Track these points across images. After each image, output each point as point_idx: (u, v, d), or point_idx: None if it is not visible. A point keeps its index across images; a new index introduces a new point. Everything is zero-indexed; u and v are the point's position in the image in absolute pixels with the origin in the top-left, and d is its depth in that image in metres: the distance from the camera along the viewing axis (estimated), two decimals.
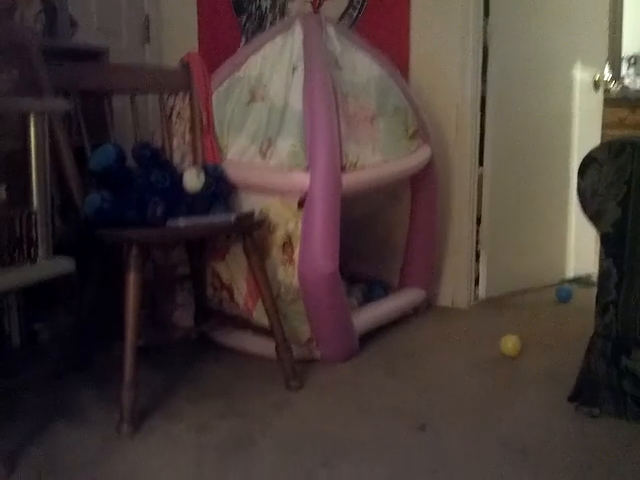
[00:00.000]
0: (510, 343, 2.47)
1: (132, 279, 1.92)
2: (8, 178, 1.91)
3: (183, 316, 2.59)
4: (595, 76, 3.45)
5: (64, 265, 1.86)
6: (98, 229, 2.01)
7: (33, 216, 1.83)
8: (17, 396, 2.10)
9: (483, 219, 3.17)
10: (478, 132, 3.05)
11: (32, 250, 1.80)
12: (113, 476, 1.70)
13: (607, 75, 4.28)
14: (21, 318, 2.42)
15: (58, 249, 1.91)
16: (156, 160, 2.24)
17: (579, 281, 3.48)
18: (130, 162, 2.18)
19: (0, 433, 1.67)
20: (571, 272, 3.53)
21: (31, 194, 1.87)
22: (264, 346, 2.35)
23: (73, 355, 2.30)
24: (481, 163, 3.13)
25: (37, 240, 1.81)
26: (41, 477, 1.68)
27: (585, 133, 3.44)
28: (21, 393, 2.12)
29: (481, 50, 2.99)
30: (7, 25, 2.38)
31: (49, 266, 1.83)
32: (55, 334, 2.31)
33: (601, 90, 3.51)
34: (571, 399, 2.04)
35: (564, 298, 3.18)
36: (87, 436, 1.89)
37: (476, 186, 3.09)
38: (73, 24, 2.73)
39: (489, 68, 3.05)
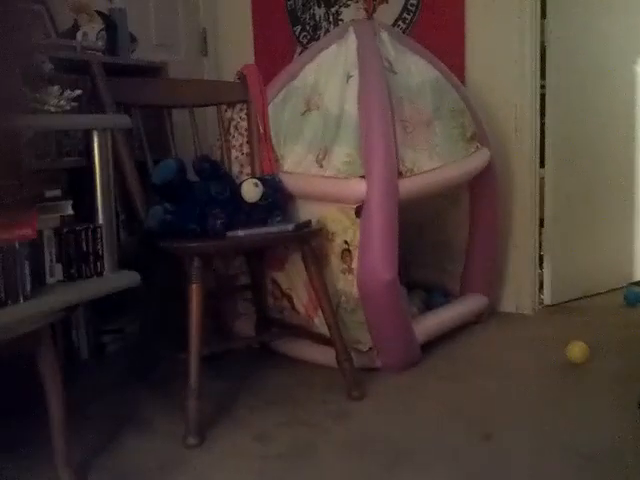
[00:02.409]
0: (577, 349, 2.40)
1: (195, 290, 1.95)
2: (74, 194, 1.97)
3: (244, 326, 2.62)
4: None
5: (130, 278, 1.90)
6: (161, 241, 2.05)
7: (99, 230, 1.88)
8: (85, 407, 2.15)
9: (546, 222, 3.10)
10: (538, 133, 2.99)
11: (98, 264, 1.85)
12: None
13: None
14: (89, 331, 2.49)
15: (124, 262, 1.96)
16: (215, 172, 2.28)
17: None
18: (191, 175, 2.22)
19: (70, 444, 1.71)
20: (639, 274, 3.42)
21: (96, 209, 1.93)
22: (325, 355, 2.35)
23: (139, 366, 2.36)
24: (542, 164, 3.07)
25: (103, 254, 1.86)
26: None
27: None
28: (89, 404, 2.18)
29: (539, 49, 2.93)
30: (70, 44, 2.45)
31: (115, 280, 1.88)
32: (122, 346, 2.37)
33: None
34: None
35: (633, 302, 3.08)
36: (154, 446, 1.93)
37: (538, 188, 3.02)
38: (133, 40, 2.79)
39: (548, 67, 2.99)
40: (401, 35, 2.71)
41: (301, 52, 3.32)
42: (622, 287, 3.29)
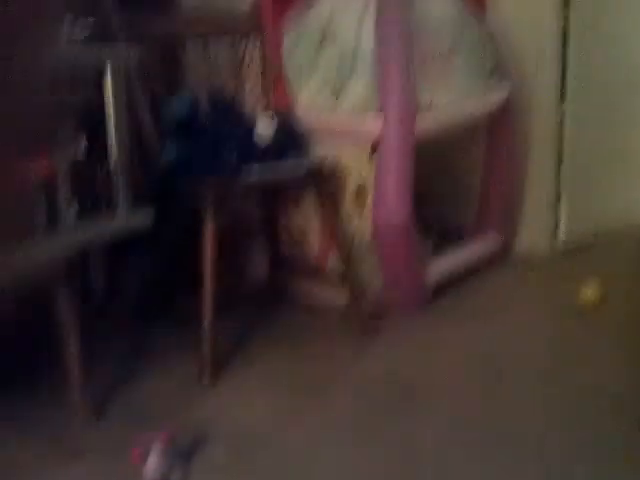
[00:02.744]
0: (590, 290, 2.39)
1: (209, 227, 1.95)
2: (87, 129, 1.94)
3: (258, 265, 2.62)
4: None
5: (144, 217, 1.88)
6: (176, 178, 2.03)
7: (113, 168, 1.86)
8: (101, 346, 2.17)
9: (564, 160, 3.04)
10: (560, 66, 2.90)
11: (112, 203, 1.84)
12: (195, 423, 1.76)
13: None
14: (105, 272, 2.49)
15: (140, 201, 1.94)
16: (229, 108, 2.24)
17: None
18: (204, 110, 2.18)
19: (87, 381, 1.75)
20: None
21: (110, 145, 1.90)
22: (337, 295, 2.35)
23: (155, 305, 2.37)
24: (563, 99, 2.99)
25: (117, 192, 1.84)
26: (126, 425, 1.76)
27: None
28: (105, 343, 2.19)
29: None
30: None
31: (129, 218, 1.86)
32: (137, 284, 2.38)
33: None
34: None
35: None
36: (169, 383, 1.97)
37: (557, 124, 2.96)
38: None
39: (571, 4, 2.88)
40: None
41: None
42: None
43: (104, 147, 1.88)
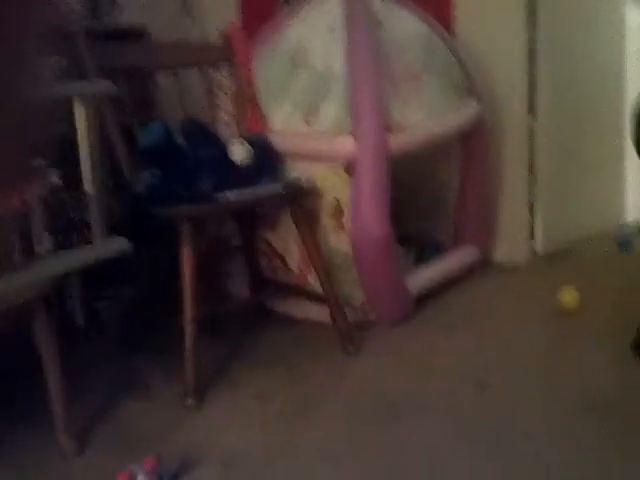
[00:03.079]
0: (568, 296, 2.42)
1: (187, 253, 1.96)
2: (62, 163, 1.96)
3: (238, 287, 2.63)
4: None
5: (119, 245, 1.90)
6: (151, 207, 2.05)
7: (87, 199, 1.88)
8: (83, 374, 2.17)
9: (537, 170, 3.09)
10: (528, 82, 2.96)
11: (88, 232, 1.85)
12: (182, 447, 1.75)
13: None
14: (83, 298, 2.50)
15: (115, 229, 1.96)
16: (203, 134, 2.26)
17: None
18: (178, 138, 2.21)
19: (69, 410, 1.74)
20: (630, 217, 3.43)
21: (84, 177, 1.92)
22: (320, 312, 2.37)
23: (135, 331, 2.38)
24: (533, 113, 3.04)
25: (91, 222, 1.86)
26: (111, 452, 1.75)
27: (638, 76, 3.30)
28: (87, 371, 2.19)
29: (528, 1, 2.88)
30: (51, 9, 2.41)
31: (105, 247, 1.88)
32: (117, 312, 2.39)
33: None
34: (633, 347, 1.99)
35: (626, 248, 3.09)
36: (153, 409, 1.96)
37: (528, 136, 3.01)
38: (113, 2, 2.75)
39: (537, 18, 2.95)
40: None
41: (286, 10, 3.27)
42: (614, 231, 3.28)
43: (79, 177, 1.90)
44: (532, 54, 2.96)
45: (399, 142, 2.34)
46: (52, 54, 2.05)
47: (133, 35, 2.67)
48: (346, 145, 2.26)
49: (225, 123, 2.54)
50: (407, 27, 2.54)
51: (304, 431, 1.79)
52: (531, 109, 3.02)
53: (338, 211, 2.32)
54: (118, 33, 2.61)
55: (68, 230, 1.82)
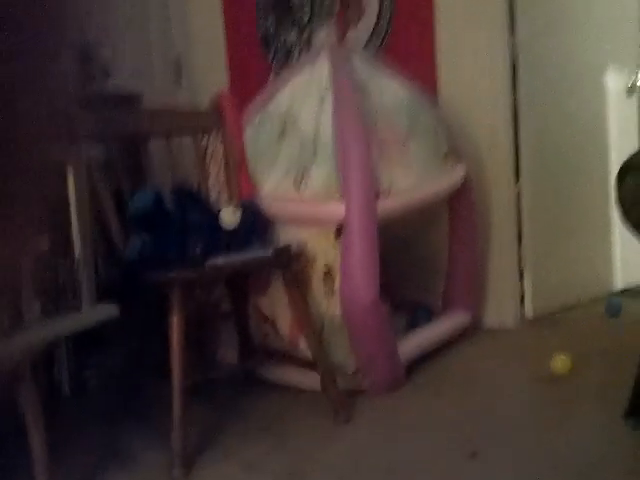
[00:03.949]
0: (560, 362, 2.41)
1: (176, 320, 1.94)
2: (51, 227, 1.95)
3: (228, 353, 2.60)
4: (628, 82, 3.40)
5: (107, 312, 1.88)
6: (141, 272, 2.04)
7: (76, 264, 1.87)
8: (68, 442, 2.12)
9: (524, 236, 3.12)
10: (513, 147, 3.02)
11: (76, 298, 1.83)
12: None
13: None
14: (70, 365, 2.45)
15: (104, 295, 1.94)
16: (193, 200, 2.27)
17: (628, 293, 3.40)
18: (168, 204, 2.21)
19: (54, 478, 1.69)
20: (619, 283, 3.45)
21: (73, 242, 1.91)
22: (311, 379, 2.33)
23: (122, 399, 2.33)
24: (517, 179, 3.09)
25: (80, 288, 1.84)
26: None
27: (622, 140, 3.38)
28: (72, 439, 2.14)
29: (510, 66, 2.97)
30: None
31: (93, 313, 1.86)
32: (105, 380, 2.35)
33: (636, 96, 3.45)
34: (626, 416, 1.97)
35: (614, 313, 3.10)
36: (139, 477, 1.90)
37: (515, 202, 3.05)
38: (106, 70, 2.80)
39: (519, 83, 3.03)
40: (373, 59, 2.74)
41: (275, 77, 3.34)
42: (603, 297, 3.30)
43: (68, 242, 1.89)
44: (516, 118, 3.04)
45: (387, 207, 2.36)
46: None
47: (125, 101, 2.71)
48: (336, 210, 2.28)
49: (215, 189, 2.56)
50: (393, 94, 2.60)
51: None
52: (517, 173, 3.07)
53: (329, 277, 2.31)
54: (110, 99, 2.64)
55: (57, 295, 1.80)
